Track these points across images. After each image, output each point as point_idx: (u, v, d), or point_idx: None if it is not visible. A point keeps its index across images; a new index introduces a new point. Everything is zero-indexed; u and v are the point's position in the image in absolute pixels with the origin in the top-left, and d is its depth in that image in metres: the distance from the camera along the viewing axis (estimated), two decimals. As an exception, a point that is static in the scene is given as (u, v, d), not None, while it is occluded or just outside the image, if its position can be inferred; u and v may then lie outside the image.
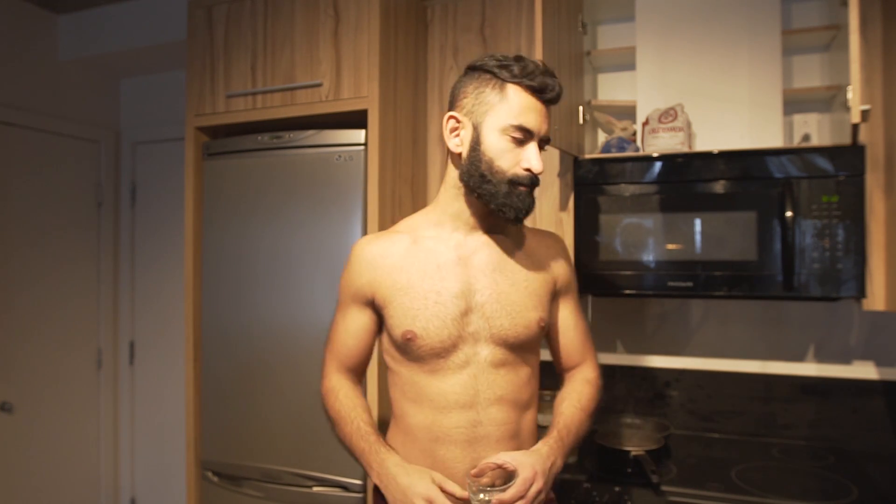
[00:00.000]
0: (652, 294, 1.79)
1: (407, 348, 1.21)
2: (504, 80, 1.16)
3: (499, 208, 1.17)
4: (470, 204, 1.24)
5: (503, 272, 1.24)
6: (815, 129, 1.88)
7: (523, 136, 1.16)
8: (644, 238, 1.78)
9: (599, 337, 2.21)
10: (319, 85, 1.88)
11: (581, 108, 1.92)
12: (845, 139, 1.65)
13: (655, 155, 1.78)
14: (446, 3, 2.09)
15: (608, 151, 1.93)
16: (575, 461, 1.83)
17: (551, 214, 1.95)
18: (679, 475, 1.67)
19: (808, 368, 1.97)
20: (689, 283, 1.73)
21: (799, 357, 1.99)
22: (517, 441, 1.24)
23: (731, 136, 1.85)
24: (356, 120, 1.88)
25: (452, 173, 1.24)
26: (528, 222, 1.95)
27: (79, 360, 2.87)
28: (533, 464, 1.12)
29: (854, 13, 1.41)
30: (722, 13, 1.86)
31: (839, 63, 1.72)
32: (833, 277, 1.61)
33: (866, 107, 1.51)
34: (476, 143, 1.18)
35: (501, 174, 1.16)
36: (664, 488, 1.56)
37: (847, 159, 1.61)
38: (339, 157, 1.85)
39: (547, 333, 1.33)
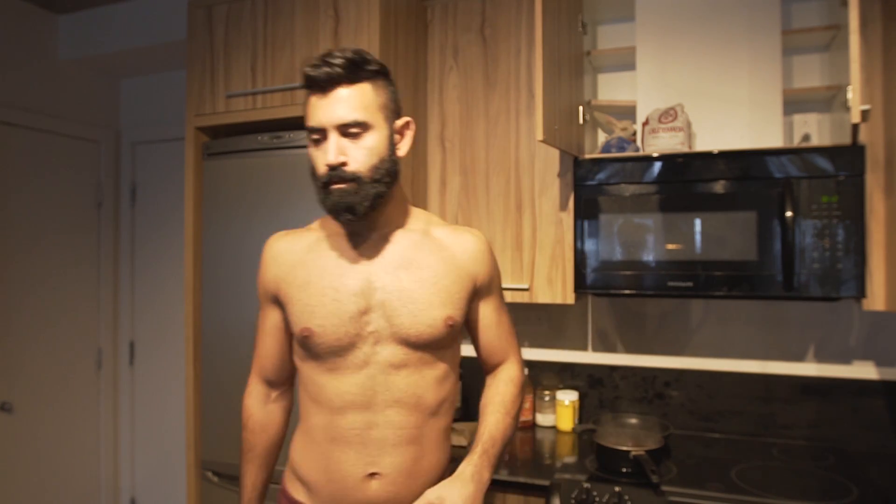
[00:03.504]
0: (652, 294, 1.79)
1: (306, 346, 1.20)
2: None
3: (329, 212, 1.15)
4: None
5: (408, 269, 1.19)
6: (815, 129, 1.89)
7: (319, 135, 1.13)
8: (644, 238, 1.78)
9: (600, 337, 2.21)
10: (319, 85, 1.88)
11: (581, 108, 1.92)
12: (845, 139, 1.65)
13: (655, 155, 1.78)
14: (446, 3, 2.09)
15: (608, 151, 1.93)
16: (575, 461, 1.83)
17: (551, 214, 1.95)
18: (679, 475, 1.67)
19: (808, 368, 1.97)
20: (689, 283, 1.73)
21: (799, 357, 1.99)
22: (418, 447, 1.19)
23: (731, 136, 1.85)
24: (356, 120, 1.88)
25: None
26: (527, 219, 1.96)
27: (79, 360, 2.87)
28: (460, 494, 1.09)
29: (854, 13, 1.41)
30: (722, 13, 1.86)
31: (839, 63, 1.72)
32: (833, 277, 1.61)
33: (866, 107, 1.51)
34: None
35: (317, 179, 1.15)
36: (664, 488, 1.56)
37: (847, 159, 1.61)
38: (339, 157, 1.85)
39: (470, 332, 1.31)
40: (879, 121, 1.63)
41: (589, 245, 1.84)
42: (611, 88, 2.19)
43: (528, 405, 2.18)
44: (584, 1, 2.00)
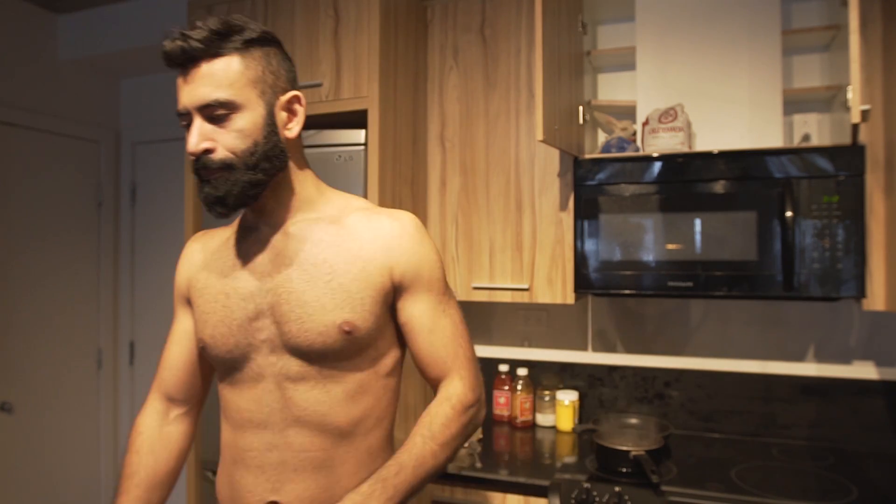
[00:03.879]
0: (652, 294, 1.79)
1: (209, 358, 1.09)
2: None
3: (203, 205, 1.00)
4: None
5: (301, 266, 1.01)
6: (815, 129, 1.89)
7: (187, 121, 0.98)
8: (644, 238, 1.78)
9: (600, 337, 2.21)
10: (319, 85, 1.88)
11: (581, 108, 1.92)
12: (845, 139, 1.65)
13: (655, 155, 1.78)
14: (446, 3, 2.09)
15: (608, 151, 1.93)
16: (575, 461, 1.83)
17: (551, 214, 1.95)
18: (679, 475, 1.67)
19: (808, 368, 1.97)
20: (689, 283, 1.73)
21: (799, 357, 1.99)
22: (327, 473, 1.02)
23: (731, 136, 1.85)
24: (356, 120, 1.88)
25: None
26: (528, 217, 1.96)
27: (79, 360, 2.87)
28: None
29: (854, 13, 1.41)
30: (722, 13, 1.86)
31: (839, 63, 1.72)
32: (833, 277, 1.61)
33: (866, 107, 1.51)
34: None
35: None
36: (664, 488, 1.56)
37: (847, 159, 1.61)
38: (339, 157, 1.85)
39: (406, 337, 1.08)
40: (879, 121, 1.63)
41: (589, 245, 1.84)
42: (611, 88, 2.19)
43: (528, 405, 2.18)
44: (584, 1, 2.00)
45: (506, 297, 2.01)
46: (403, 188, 1.95)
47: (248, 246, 1.06)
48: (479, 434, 2.01)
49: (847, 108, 1.51)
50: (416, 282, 1.05)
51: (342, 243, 1.02)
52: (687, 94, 1.89)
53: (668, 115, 1.83)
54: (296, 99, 1.04)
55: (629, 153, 1.86)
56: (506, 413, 2.22)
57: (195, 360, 1.15)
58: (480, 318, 2.36)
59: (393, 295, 1.05)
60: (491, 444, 2.00)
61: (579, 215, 1.85)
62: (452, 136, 2.09)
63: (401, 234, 1.04)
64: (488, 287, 2.02)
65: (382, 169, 1.83)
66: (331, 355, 1.00)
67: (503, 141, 2.02)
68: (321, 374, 1.01)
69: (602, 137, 2.16)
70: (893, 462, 1.77)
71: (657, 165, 1.77)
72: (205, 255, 1.12)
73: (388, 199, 1.86)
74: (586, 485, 1.59)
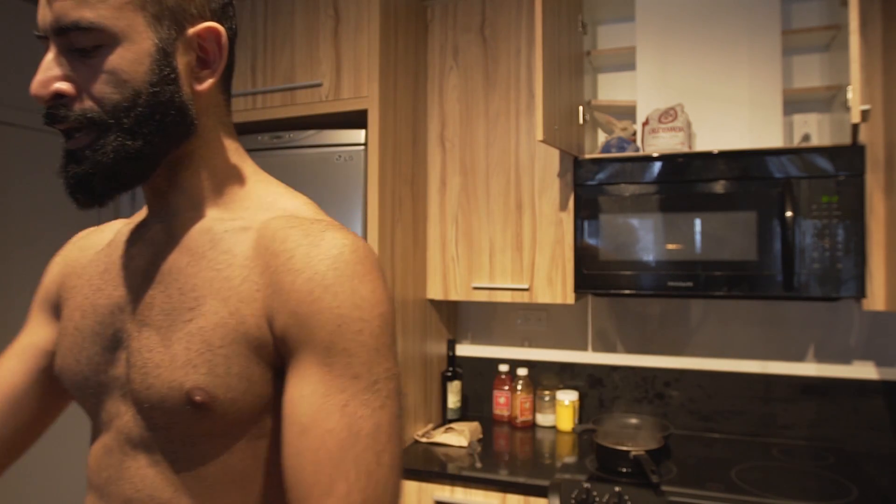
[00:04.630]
0: (652, 294, 1.79)
1: None
2: None
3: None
4: None
5: (167, 289, 0.67)
6: (815, 129, 1.89)
7: (46, 45, 0.65)
8: (644, 238, 1.78)
9: (600, 337, 2.21)
10: (319, 85, 1.88)
11: (581, 108, 1.92)
12: (845, 139, 1.65)
13: (655, 155, 1.78)
14: (446, 3, 2.09)
15: (608, 151, 1.93)
16: (575, 461, 1.83)
17: (551, 214, 1.95)
18: (679, 475, 1.67)
19: (808, 368, 1.97)
20: (689, 283, 1.73)
21: (799, 357, 1.99)
22: None
23: (731, 136, 1.85)
24: (356, 120, 1.88)
25: None
26: (527, 223, 1.96)
27: (79, 360, 2.88)
28: None
29: (854, 13, 1.41)
30: (722, 13, 1.86)
31: (839, 63, 1.72)
32: (833, 277, 1.61)
33: (866, 107, 1.51)
34: None
35: None
36: (664, 488, 1.56)
37: (847, 159, 1.61)
38: (339, 157, 1.85)
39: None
40: (879, 121, 1.63)
41: (589, 245, 1.84)
42: (611, 88, 2.19)
43: (528, 405, 2.18)
44: (584, 1, 2.00)
45: (506, 297, 2.01)
46: (403, 188, 1.95)
47: (132, 246, 0.73)
48: (479, 434, 2.01)
49: (847, 108, 1.51)
50: (303, 344, 0.62)
51: (227, 267, 0.66)
52: (687, 94, 1.90)
53: (668, 115, 1.84)
54: (212, 33, 0.67)
55: (629, 153, 1.87)
56: (506, 413, 2.22)
57: (25, 387, 0.79)
58: (480, 318, 2.36)
59: (279, 358, 0.65)
60: (491, 443, 2.00)
61: (579, 215, 1.85)
62: (452, 136, 2.09)
63: (302, 266, 0.63)
64: (488, 287, 2.02)
65: (382, 169, 1.83)
66: (180, 428, 0.65)
67: (503, 141, 2.02)
68: (169, 449, 0.66)
69: (602, 137, 2.16)
70: (893, 462, 1.77)
71: (657, 165, 1.78)
72: (88, 252, 0.81)
73: (388, 199, 1.86)
74: (586, 485, 1.59)
